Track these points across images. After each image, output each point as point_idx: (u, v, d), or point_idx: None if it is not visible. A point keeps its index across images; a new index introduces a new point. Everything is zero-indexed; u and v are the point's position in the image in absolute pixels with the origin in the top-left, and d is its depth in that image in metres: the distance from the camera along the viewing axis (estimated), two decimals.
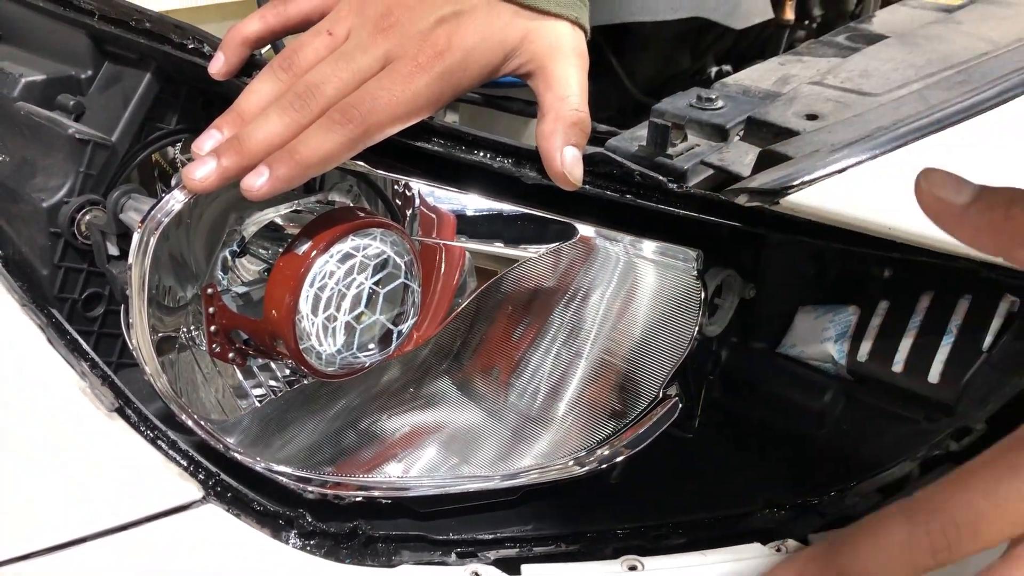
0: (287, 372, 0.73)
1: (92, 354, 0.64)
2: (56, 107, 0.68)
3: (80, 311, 0.67)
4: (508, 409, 0.74)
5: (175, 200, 0.56)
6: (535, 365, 0.72)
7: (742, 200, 0.55)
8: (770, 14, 1.09)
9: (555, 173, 0.56)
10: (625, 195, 0.58)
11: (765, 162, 0.58)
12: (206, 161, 0.54)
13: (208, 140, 0.56)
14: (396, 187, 0.67)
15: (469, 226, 0.67)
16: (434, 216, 0.71)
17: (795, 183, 0.54)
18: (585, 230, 0.64)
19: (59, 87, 0.68)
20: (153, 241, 0.55)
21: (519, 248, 0.69)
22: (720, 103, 0.69)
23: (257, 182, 0.53)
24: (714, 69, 1.17)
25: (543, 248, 0.68)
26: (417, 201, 0.66)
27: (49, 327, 0.62)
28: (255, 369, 0.71)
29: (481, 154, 0.58)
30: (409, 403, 0.75)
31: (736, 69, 1.08)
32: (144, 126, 0.68)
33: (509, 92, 0.77)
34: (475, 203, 0.65)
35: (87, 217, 0.64)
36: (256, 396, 0.71)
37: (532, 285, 0.70)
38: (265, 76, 0.57)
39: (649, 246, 0.63)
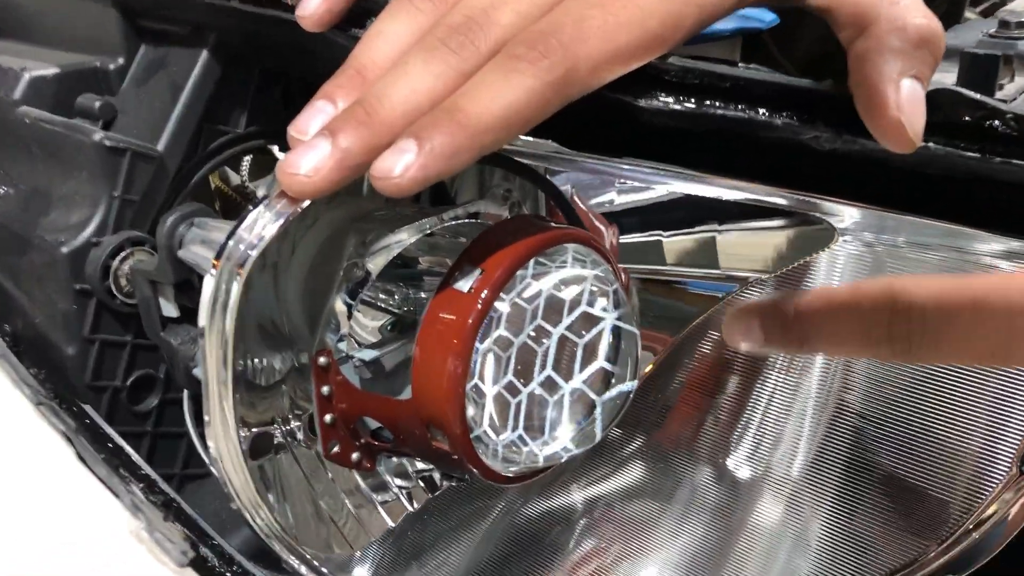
0: (420, 467, 0.51)
1: (147, 470, 0.43)
2: (77, 112, 0.47)
3: (125, 404, 0.46)
4: (727, 486, 0.52)
5: (265, 220, 0.34)
6: (752, 419, 0.51)
7: None
8: None
9: (887, 123, 0.33)
10: (990, 156, 0.35)
11: None
12: (315, 145, 0.33)
13: (315, 116, 0.35)
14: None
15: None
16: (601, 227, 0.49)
17: None
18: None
19: (78, 84, 0.47)
20: (237, 288, 0.34)
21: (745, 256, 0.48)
22: None
23: (399, 165, 0.32)
24: None
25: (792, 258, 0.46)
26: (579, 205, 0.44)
27: (80, 434, 0.41)
28: (386, 476, 0.49)
29: (751, 111, 0.36)
30: (589, 496, 0.54)
31: None
32: (201, 130, 0.47)
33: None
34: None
35: (128, 263, 0.43)
36: (379, 502, 0.49)
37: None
38: (397, 9, 0.36)
39: (998, 244, 0.40)
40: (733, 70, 0.36)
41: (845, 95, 0.35)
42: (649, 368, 0.52)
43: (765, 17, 0.54)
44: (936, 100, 0.35)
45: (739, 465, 0.51)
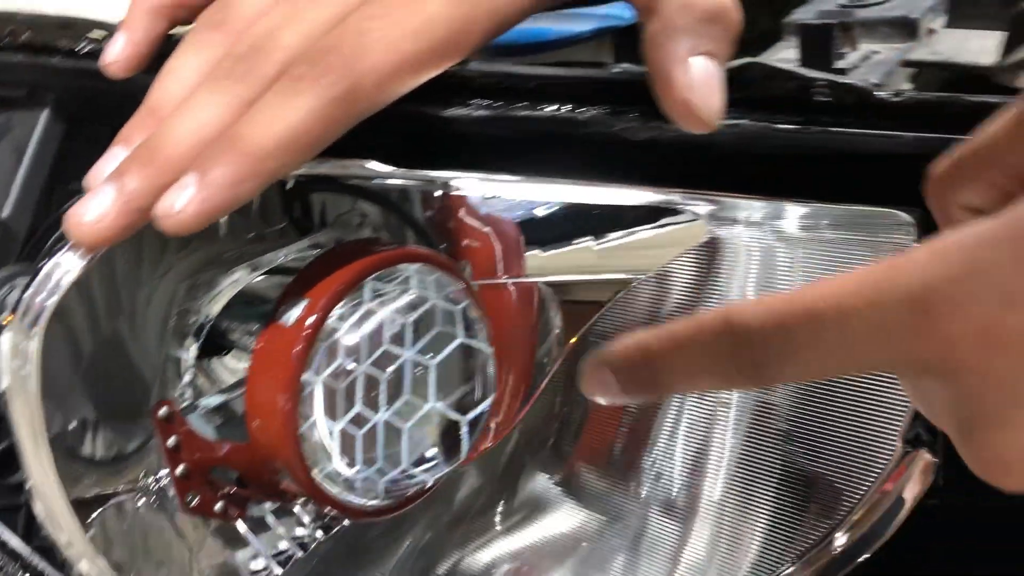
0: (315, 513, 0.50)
1: (13, 543, 0.42)
2: None
3: None
4: (649, 510, 0.50)
5: (61, 271, 0.33)
6: (671, 434, 0.49)
7: None
8: None
9: (677, 104, 0.32)
10: (809, 126, 0.34)
11: None
12: (101, 191, 0.32)
13: (108, 162, 0.34)
14: (429, 205, 0.44)
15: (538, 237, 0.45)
16: (493, 238, 0.48)
17: None
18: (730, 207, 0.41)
19: None
20: (35, 344, 0.33)
21: (622, 264, 0.46)
22: None
23: (179, 200, 0.31)
24: None
25: (666, 255, 0.45)
26: (463, 215, 0.43)
27: None
28: (268, 519, 0.47)
29: (555, 107, 0.35)
30: (503, 528, 0.52)
31: None
32: (52, 191, 0.46)
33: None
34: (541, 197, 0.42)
35: None
36: (265, 552, 0.47)
37: (651, 314, 0.46)
38: (189, 45, 0.36)
39: (831, 214, 0.39)
40: (537, 69, 0.35)
41: (637, 80, 0.34)
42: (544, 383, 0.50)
43: (624, 15, 0.53)
44: (745, 75, 0.34)
45: (659, 478, 0.49)
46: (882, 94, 0.33)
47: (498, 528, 0.52)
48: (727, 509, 0.48)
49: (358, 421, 0.37)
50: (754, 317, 0.25)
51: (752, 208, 0.41)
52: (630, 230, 0.45)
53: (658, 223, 0.44)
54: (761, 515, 0.47)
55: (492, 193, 0.38)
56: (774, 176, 0.35)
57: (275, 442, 0.36)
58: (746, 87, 0.34)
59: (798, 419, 0.46)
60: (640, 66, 0.40)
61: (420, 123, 0.35)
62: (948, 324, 0.21)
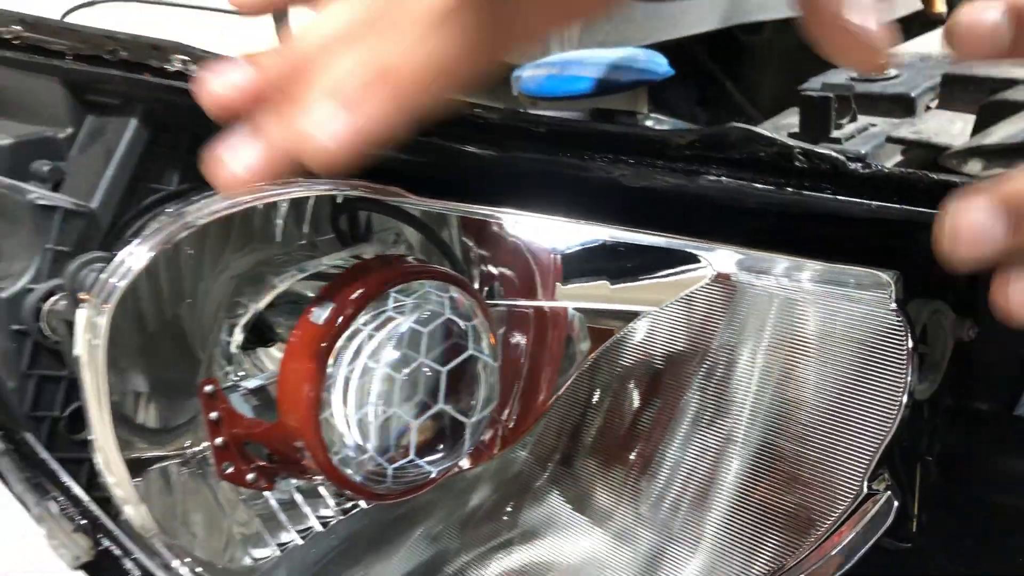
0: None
1: (76, 489, 0.48)
2: (31, 176, 0.53)
3: (64, 433, 0.51)
4: (641, 528, 0.53)
5: (133, 259, 0.39)
6: (673, 462, 0.52)
7: (975, 168, 0.35)
8: (917, 5, 0.89)
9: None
10: (784, 187, 0.38)
11: (991, 117, 0.38)
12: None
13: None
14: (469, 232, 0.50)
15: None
16: (529, 267, 0.52)
17: None
18: (721, 259, 0.45)
19: (33, 152, 0.53)
20: (104, 321, 0.39)
21: (634, 299, 0.51)
22: (894, 72, 0.50)
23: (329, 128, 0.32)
24: None
25: (665, 297, 0.49)
26: (508, 240, 0.48)
27: (7, 455, 0.46)
28: (296, 497, 0.53)
29: (569, 155, 0.40)
30: (508, 531, 0.56)
31: None
32: (135, 187, 0.52)
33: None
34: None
35: (56, 306, 0.48)
36: (288, 522, 0.53)
37: (657, 351, 0.50)
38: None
39: (815, 271, 0.43)
40: (546, 115, 0.40)
41: (637, 134, 0.38)
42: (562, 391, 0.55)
43: (659, 70, 0.58)
44: (727, 137, 0.38)
45: (662, 503, 0.53)
46: (854, 166, 0.37)
47: (505, 535, 0.56)
48: (719, 540, 0.51)
49: (373, 414, 0.43)
50: None
51: (767, 261, 0.45)
52: (648, 271, 0.50)
53: (674, 268, 0.49)
54: (743, 546, 0.50)
55: (534, 228, 0.43)
56: (750, 229, 0.39)
57: (300, 425, 0.41)
58: (728, 148, 0.38)
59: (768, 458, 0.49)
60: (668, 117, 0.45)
61: (440, 155, 0.40)
62: None
